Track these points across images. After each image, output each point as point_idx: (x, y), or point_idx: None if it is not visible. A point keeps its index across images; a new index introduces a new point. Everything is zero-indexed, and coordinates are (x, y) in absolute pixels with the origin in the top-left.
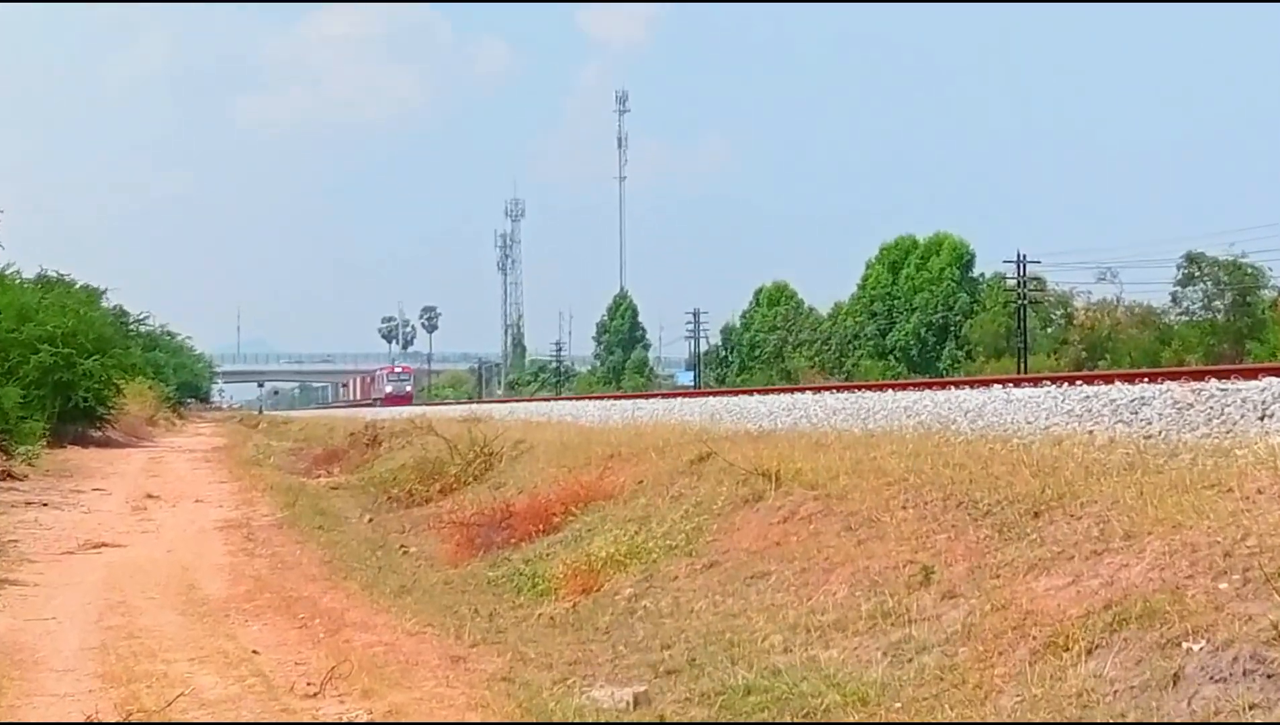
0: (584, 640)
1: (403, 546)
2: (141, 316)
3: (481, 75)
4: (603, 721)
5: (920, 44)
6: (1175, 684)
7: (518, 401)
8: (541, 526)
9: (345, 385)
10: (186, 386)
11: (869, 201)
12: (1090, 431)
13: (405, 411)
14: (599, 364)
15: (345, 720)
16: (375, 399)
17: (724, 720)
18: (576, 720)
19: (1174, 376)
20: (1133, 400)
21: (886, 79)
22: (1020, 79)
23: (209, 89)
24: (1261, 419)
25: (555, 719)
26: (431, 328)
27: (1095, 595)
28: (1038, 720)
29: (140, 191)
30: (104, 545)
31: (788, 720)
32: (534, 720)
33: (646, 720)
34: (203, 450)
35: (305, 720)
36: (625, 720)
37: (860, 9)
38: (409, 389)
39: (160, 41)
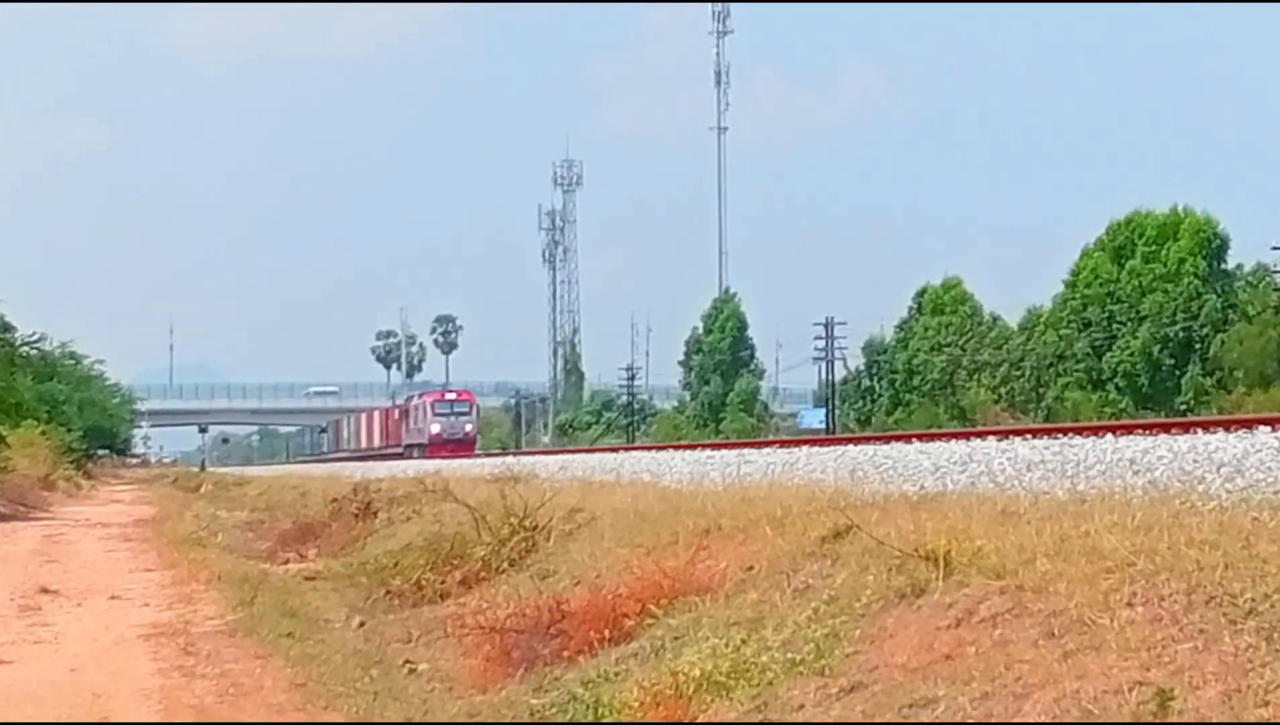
0: None
1: (408, 662)
2: (33, 336)
3: None
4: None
5: None
6: None
7: (573, 452)
8: (608, 633)
9: (337, 427)
10: (97, 432)
11: (1087, 169)
12: None
13: (411, 467)
14: (689, 397)
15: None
16: (412, 445)
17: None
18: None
19: None
20: None
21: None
22: None
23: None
24: None
25: None
26: (448, 347)
27: None
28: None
29: (27, 153)
30: None
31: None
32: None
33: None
34: (121, 524)
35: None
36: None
37: None
38: (470, 428)
39: None
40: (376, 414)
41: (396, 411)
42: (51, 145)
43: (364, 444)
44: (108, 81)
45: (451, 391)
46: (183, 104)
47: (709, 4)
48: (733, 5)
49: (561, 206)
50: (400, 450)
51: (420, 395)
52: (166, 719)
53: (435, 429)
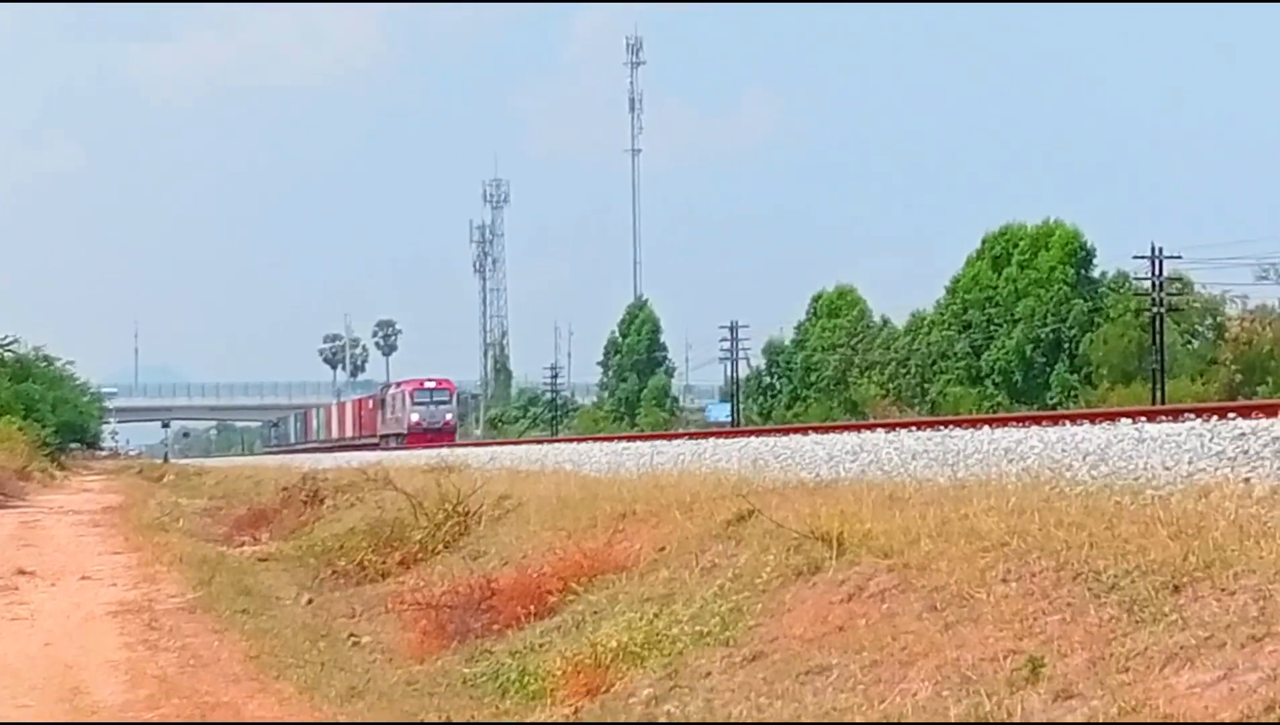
0: None
1: (352, 635)
2: (8, 340)
3: (447, 15)
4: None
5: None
6: None
7: (501, 444)
8: (533, 608)
9: (306, 418)
10: (69, 428)
11: (969, 186)
12: (1247, 479)
13: (356, 458)
14: (607, 394)
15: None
16: (389, 435)
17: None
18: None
19: None
20: None
21: (990, 24)
22: (1153, 37)
23: (91, 30)
24: None
25: None
26: (389, 349)
27: (1254, 694)
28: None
29: (5, 172)
30: None
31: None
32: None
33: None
34: (91, 511)
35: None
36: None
37: None
38: (450, 418)
39: None
40: (349, 404)
41: (371, 401)
42: (28, 165)
43: (335, 435)
44: (80, 108)
45: (431, 380)
46: (148, 129)
47: (624, 37)
48: (645, 38)
49: (491, 221)
50: (375, 441)
51: (397, 384)
52: (132, 689)
53: (415, 418)
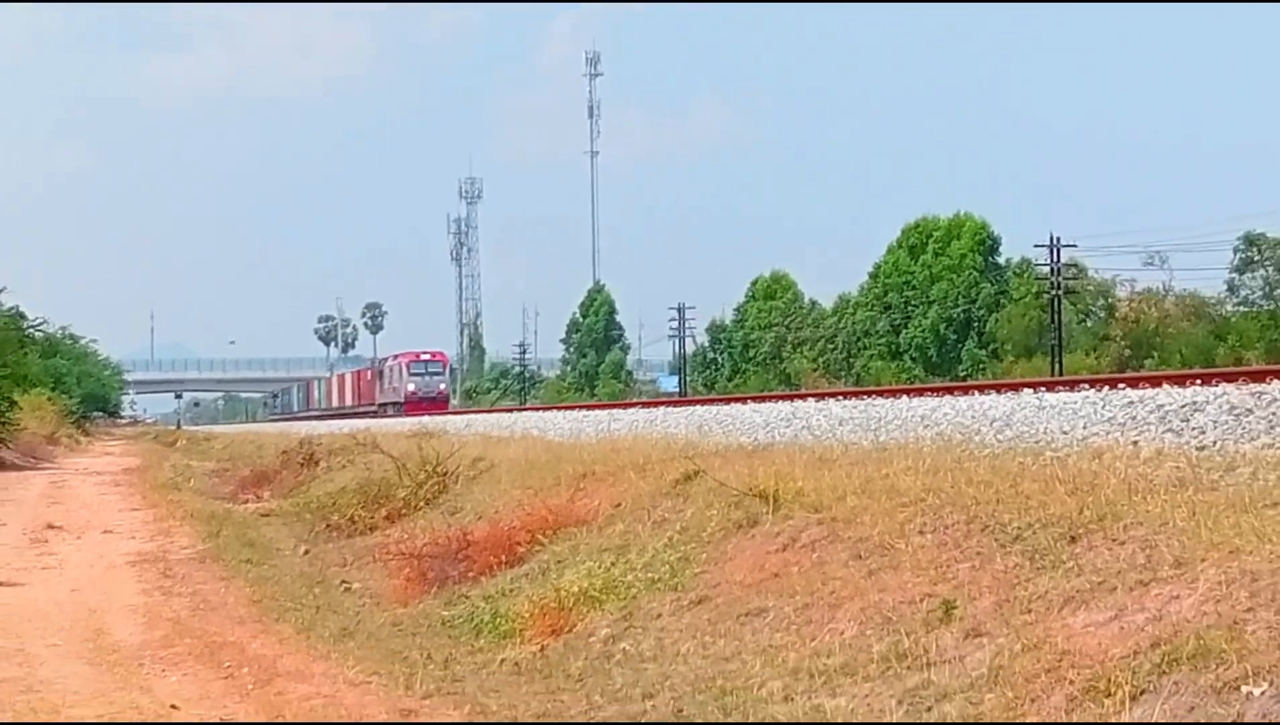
0: (554, 689)
1: (344, 582)
2: (38, 321)
3: (431, 32)
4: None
5: (947, 11)
6: None
7: (475, 413)
8: (504, 558)
9: (308, 388)
10: (92, 398)
11: (890, 184)
12: (1135, 442)
13: (347, 425)
14: (569, 368)
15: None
16: (386, 404)
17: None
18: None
19: (1230, 377)
20: (1183, 406)
21: (913, 38)
22: (1053, 47)
23: (109, 40)
24: None
25: None
26: (376, 328)
27: (1141, 632)
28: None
29: (29, 169)
30: None
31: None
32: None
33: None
34: (112, 472)
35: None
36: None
37: None
38: (443, 387)
39: None
40: (348, 376)
41: (369, 372)
42: (52, 166)
43: (336, 404)
44: (93, 113)
45: (426, 352)
46: (160, 132)
47: (584, 51)
48: (604, 51)
49: (466, 215)
50: (374, 409)
51: (395, 356)
52: (149, 630)
53: (411, 388)
